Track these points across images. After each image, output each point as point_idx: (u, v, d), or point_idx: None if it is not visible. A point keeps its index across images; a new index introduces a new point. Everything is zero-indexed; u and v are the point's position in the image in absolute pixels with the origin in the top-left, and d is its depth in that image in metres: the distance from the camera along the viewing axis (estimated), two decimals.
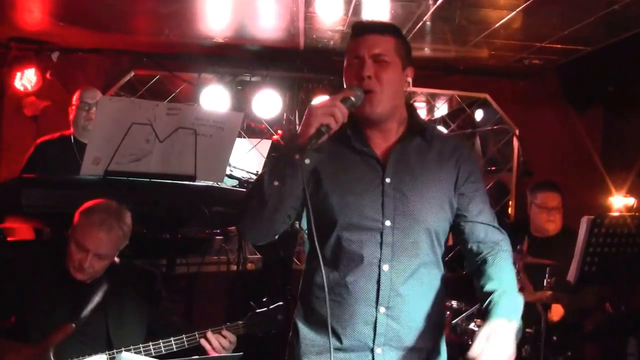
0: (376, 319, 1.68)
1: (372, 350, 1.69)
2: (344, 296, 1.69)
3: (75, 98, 3.62)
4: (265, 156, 4.50)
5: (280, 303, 2.53)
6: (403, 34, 1.79)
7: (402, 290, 1.69)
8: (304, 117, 1.60)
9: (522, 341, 3.23)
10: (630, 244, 2.70)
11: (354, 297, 1.69)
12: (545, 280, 2.99)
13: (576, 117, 4.55)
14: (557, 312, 3.28)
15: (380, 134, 1.76)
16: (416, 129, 1.78)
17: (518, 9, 3.19)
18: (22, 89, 4.20)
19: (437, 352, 1.79)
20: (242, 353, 2.10)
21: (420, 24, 3.52)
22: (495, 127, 4.66)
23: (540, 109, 4.70)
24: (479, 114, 5.09)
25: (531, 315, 3.22)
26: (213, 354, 2.34)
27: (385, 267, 1.68)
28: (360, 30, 1.75)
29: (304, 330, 1.76)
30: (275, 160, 1.66)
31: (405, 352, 1.71)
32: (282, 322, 2.49)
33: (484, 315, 1.69)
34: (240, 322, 2.47)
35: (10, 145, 4.36)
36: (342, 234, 1.69)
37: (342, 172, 1.72)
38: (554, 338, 3.21)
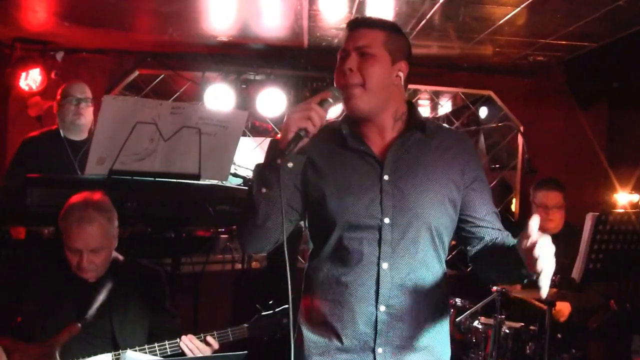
0: (376, 318, 1.66)
1: (373, 350, 1.67)
2: (344, 295, 1.68)
3: (60, 92, 3.57)
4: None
5: (286, 306, 2.53)
6: (400, 29, 1.75)
7: (402, 288, 1.66)
8: (284, 121, 1.60)
9: (527, 339, 3.23)
10: (635, 240, 2.68)
11: (354, 296, 1.67)
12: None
13: (581, 114, 4.53)
14: (564, 313, 3.27)
15: (377, 130, 1.73)
16: (415, 124, 1.75)
17: (522, 5, 3.18)
18: (27, 89, 4.21)
19: (441, 350, 1.76)
20: (246, 352, 2.11)
21: (424, 21, 3.51)
22: (499, 124, 4.65)
23: (545, 106, 4.68)
24: (483, 111, 5.09)
25: (536, 313, 3.22)
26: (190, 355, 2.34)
27: (384, 265, 1.65)
28: (350, 25, 1.74)
29: (306, 331, 1.75)
30: (260, 167, 1.65)
31: (407, 352, 1.68)
32: (287, 326, 2.49)
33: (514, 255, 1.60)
34: (245, 325, 2.47)
35: (15, 145, 4.37)
36: (342, 234, 1.68)
37: (340, 172, 1.70)
38: (559, 336, 3.21)
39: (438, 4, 3.22)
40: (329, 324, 1.69)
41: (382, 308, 1.66)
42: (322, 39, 4.12)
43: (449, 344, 1.81)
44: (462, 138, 1.83)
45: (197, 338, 2.38)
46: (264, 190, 1.62)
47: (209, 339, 2.40)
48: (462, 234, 1.79)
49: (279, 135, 1.61)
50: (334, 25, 3.80)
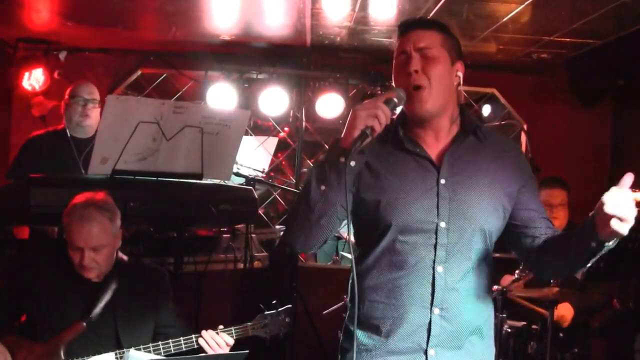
0: (430, 321, 1.67)
1: (425, 352, 1.67)
2: (397, 298, 1.68)
3: (69, 92, 3.59)
4: (272, 153, 4.54)
5: (289, 306, 2.54)
6: (449, 29, 1.76)
7: (456, 291, 1.68)
8: (348, 119, 1.59)
9: (529, 338, 3.22)
10: (638, 239, 2.68)
11: (408, 300, 1.67)
12: None
13: (585, 112, 4.51)
14: (567, 318, 3.24)
15: (433, 133, 1.74)
16: (469, 127, 1.76)
17: (526, 3, 3.16)
18: (30, 88, 4.22)
19: (489, 348, 1.78)
20: (247, 351, 2.11)
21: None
22: (503, 122, 4.63)
23: (548, 104, 4.66)
24: (486, 109, 5.07)
25: (537, 312, 3.21)
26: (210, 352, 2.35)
27: (439, 269, 1.66)
28: (404, 28, 1.73)
29: (357, 333, 1.73)
30: (320, 164, 1.64)
31: (457, 352, 1.70)
32: (290, 325, 2.50)
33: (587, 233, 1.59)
34: (248, 323, 2.48)
35: (18, 145, 4.38)
36: (396, 237, 1.67)
37: (396, 174, 1.70)
38: (561, 335, 3.20)
39: (442, 1, 3.21)
40: (382, 326, 1.70)
41: (436, 311, 1.67)
42: (324, 38, 4.12)
43: (494, 342, 1.82)
44: (514, 145, 1.86)
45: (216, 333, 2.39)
46: (322, 188, 1.62)
47: (223, 335, 2.39)
48: (514, 238, 1.80)
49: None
50: (336, 24, 3.79)
